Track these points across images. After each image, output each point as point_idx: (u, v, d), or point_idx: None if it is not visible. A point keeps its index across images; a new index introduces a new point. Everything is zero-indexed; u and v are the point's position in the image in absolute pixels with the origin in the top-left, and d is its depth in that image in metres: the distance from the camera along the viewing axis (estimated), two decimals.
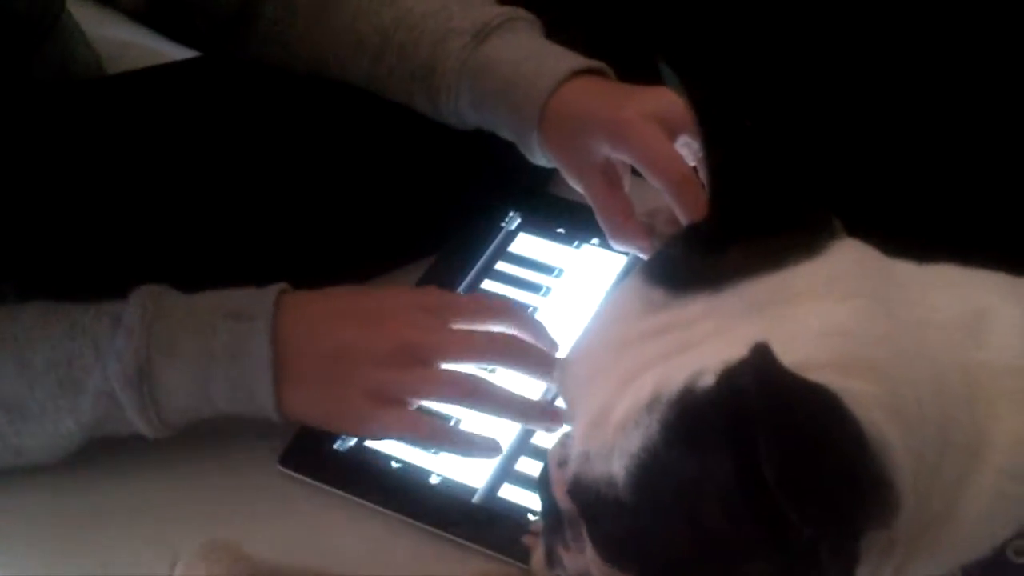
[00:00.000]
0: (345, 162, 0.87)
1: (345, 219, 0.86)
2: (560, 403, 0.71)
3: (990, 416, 0.47)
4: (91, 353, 0.70)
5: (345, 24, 0.86)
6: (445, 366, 0.73)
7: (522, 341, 0.76)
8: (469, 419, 0.75)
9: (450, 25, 0.83)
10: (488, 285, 0.85)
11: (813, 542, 0.42)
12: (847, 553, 0.44)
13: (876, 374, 0.45)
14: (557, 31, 0.86)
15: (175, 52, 1.00)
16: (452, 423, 0.75)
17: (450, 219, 0.88)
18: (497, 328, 0.76)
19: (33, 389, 0.70)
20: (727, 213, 0.52)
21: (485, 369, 0.75)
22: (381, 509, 0.72)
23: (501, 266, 0.87)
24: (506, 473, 0.73)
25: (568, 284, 0.85)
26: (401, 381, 0.72)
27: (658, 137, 0.73)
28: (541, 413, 0.73)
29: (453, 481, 0.73)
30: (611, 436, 0.47)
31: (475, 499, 0.72)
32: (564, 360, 0.54)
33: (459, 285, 0.85)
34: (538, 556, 0.59)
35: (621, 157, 0.76)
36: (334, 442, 0.75)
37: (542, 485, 0.57)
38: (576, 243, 0.88)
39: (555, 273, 0.86)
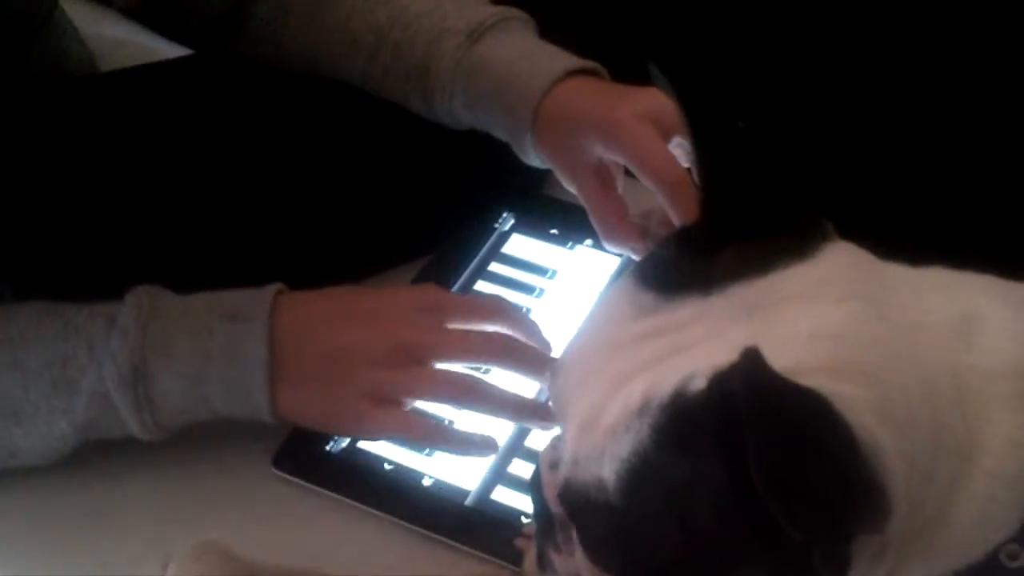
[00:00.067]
0: (339, 162, 0.87)
1: (339, 219, 0.86)
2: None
3: (981, 420, 0.47)
4: (85, 354, 0.70)
5: (340, 23, 0.86)
6: (440, 366, 0.73)
7: (518, 341, 0.76)
8: (463, 420, 0.75)
9: (444, 24, 0.83)
10: (482, 286, 0.85)
11: (805, 547, 0.42)
12: (839, 558, 0.43)
13: (868, 378, 0.45)
14: (551, 31, 0.86)
15: (168, 50, 1.00)
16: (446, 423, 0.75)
17: (444, 220, 0.87)
18: (492, 328, 0.76)
19: (27, 390, 0.70)
20: (718, 216, 0.51)
21: (479, 369, 0.75)
22: (374, 511, 0.72)
23: (495, 267, 0.86)
24: (499, 475, 0.73)
25: (561, 285, 0.85)
26: (397, 381, 0.72)
27: (651, 138, 0.73)
28: (536, 412, 0.73)
29: (446, 483, 0.73)
30: (601, 440, 0.47)
31: (468, 501, 0.72)
32: (555, 362, 0.54)
33: (453, 286, 0.85)
34: (530, 559, 0.58)
35: (614, 158, 0.76)
36: (327, 444, 0.75)
37: (534, 488, 0.57)
38: (570, 244, 0.88)
39: (548, 274, 0.86)
